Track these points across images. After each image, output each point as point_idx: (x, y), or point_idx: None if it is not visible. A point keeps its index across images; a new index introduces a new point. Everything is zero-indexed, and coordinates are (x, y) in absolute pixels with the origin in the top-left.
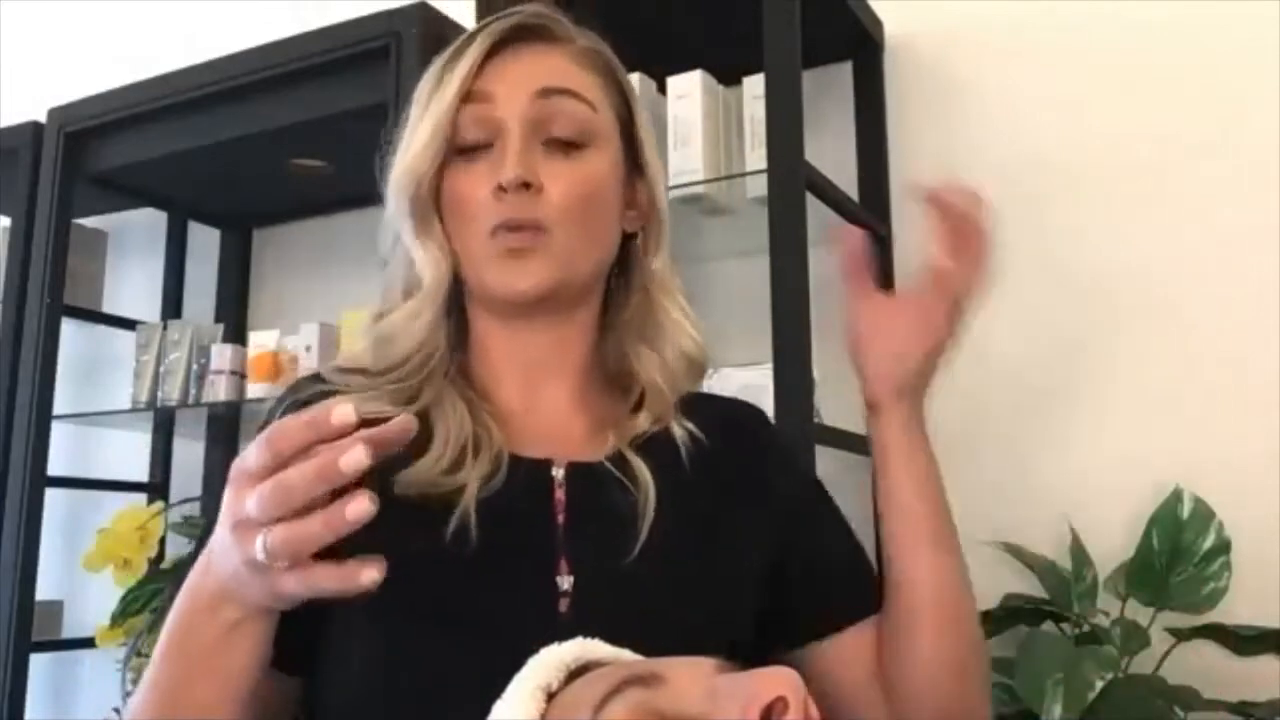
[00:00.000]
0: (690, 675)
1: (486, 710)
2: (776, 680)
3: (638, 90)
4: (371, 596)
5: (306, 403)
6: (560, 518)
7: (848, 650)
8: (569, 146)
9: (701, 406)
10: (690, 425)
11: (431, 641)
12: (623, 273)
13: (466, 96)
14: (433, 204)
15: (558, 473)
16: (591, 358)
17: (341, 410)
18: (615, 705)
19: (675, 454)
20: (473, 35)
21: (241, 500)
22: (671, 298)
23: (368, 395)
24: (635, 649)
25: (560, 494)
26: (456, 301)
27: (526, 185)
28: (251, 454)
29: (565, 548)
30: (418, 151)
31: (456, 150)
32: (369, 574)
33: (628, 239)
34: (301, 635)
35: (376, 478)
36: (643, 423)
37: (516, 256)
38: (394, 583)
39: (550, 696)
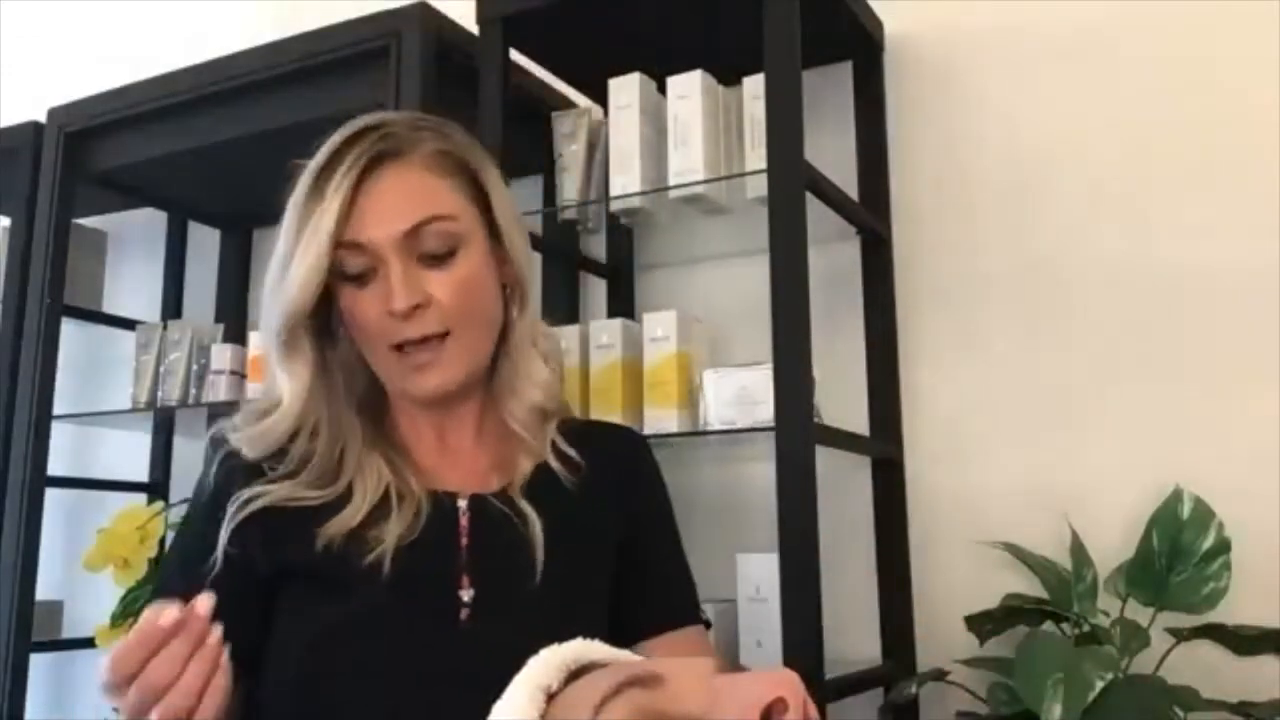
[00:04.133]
0: (690, 676)
1: (394, 700)
2: (776, 681)
3: (637, 90)
4: (303, 613)
5: (233, 474)
6: (464, 541)
7: (674, 652)
8: (444, 259)
9: (591, 435)
10: (567, 452)
11: (348, 645)
12: (503, 328)
13: (340, 244)
14: (305, 329)
15: (462, 503)
16: (485, 405)
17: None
18: (615, 705)
19: (556, 483)
20: (331, 168)
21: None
22: (525, 356)
23: (286, 484)
24: (525, 652)
25: (464, 521)
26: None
27: (417, 307)
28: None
29: (467, 566)
30: (295, 293)
31: (340, 274)
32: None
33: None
34: (255, 642)
35: (304, 531)
36: (524, 466)
37: (423, 370)
38: (320, 604)
39: (550, 697)
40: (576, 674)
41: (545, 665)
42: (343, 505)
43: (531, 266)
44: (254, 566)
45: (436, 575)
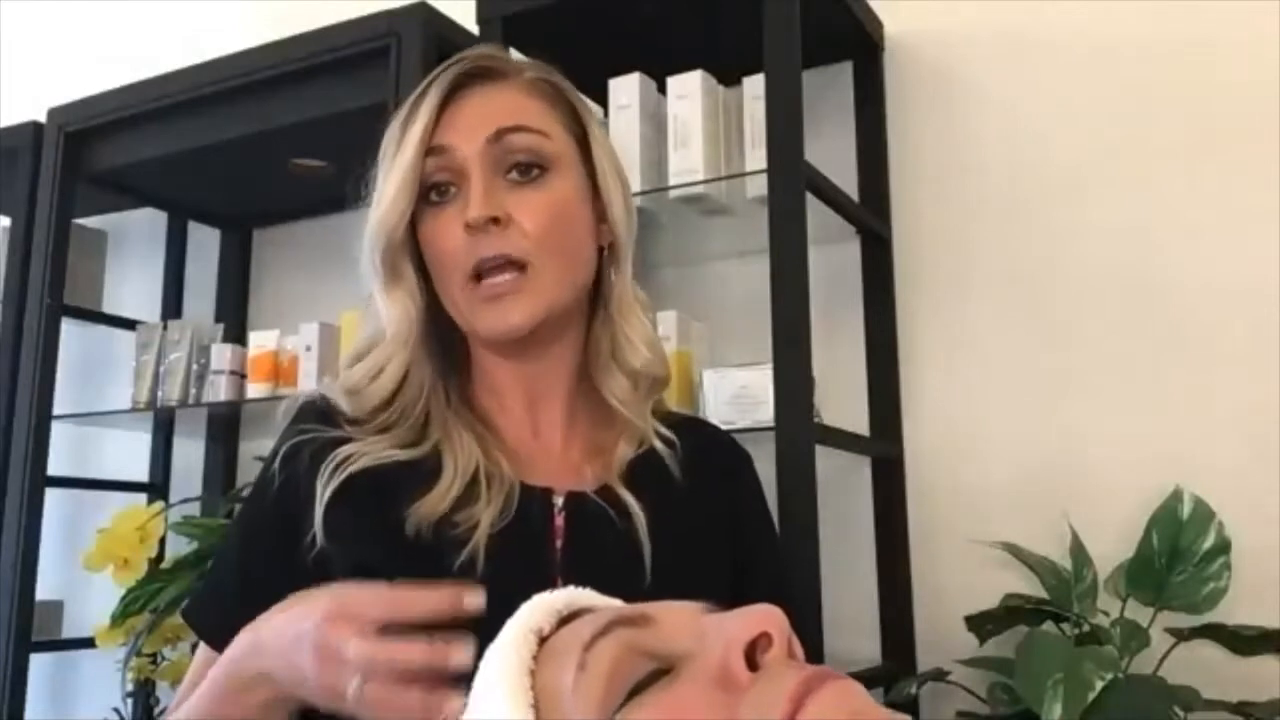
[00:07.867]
0: (678, 616)
1: None
2: (761, 618)
3: (637, 90)
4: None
5: (317, 452)
6: (559, 543)
7: None
8: (531, 174)
9: (689, 425)
10: (669, 433)
11: None
12: (598, 289)
13: (428, 151)
14: (405, 254)
15: (558, 500)
16: (579, 377)
17: (473, 600)
18: (604, 643)
19: (664, 471)
20: (427, 86)
21: (341, 635)
22: (629, 314)
23: (375, 441)
24: None
25: (559, 520)
26: (454, 334)
27: (495, 220)
28: (365, 601)
29: (562, 571)
30: (386, 207)
31: (425, 195)
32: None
33: (605, 252)
34: None
35: (389, 513)
36: (624, 450)
37: (497, 301)
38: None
39: (542, 641)
40: (568, 619)
41: (536, 609)
42: (430, 471)
43: (632, 228)
44: (329, 571)
45: (531, 582)
